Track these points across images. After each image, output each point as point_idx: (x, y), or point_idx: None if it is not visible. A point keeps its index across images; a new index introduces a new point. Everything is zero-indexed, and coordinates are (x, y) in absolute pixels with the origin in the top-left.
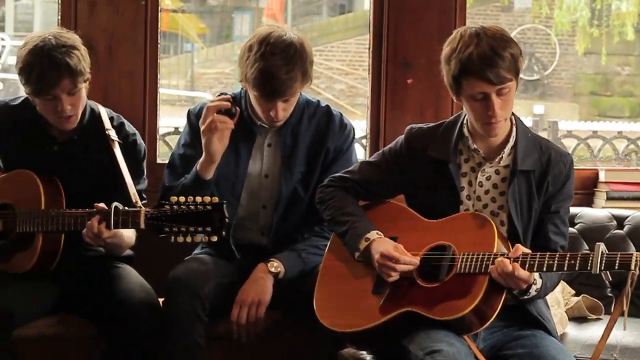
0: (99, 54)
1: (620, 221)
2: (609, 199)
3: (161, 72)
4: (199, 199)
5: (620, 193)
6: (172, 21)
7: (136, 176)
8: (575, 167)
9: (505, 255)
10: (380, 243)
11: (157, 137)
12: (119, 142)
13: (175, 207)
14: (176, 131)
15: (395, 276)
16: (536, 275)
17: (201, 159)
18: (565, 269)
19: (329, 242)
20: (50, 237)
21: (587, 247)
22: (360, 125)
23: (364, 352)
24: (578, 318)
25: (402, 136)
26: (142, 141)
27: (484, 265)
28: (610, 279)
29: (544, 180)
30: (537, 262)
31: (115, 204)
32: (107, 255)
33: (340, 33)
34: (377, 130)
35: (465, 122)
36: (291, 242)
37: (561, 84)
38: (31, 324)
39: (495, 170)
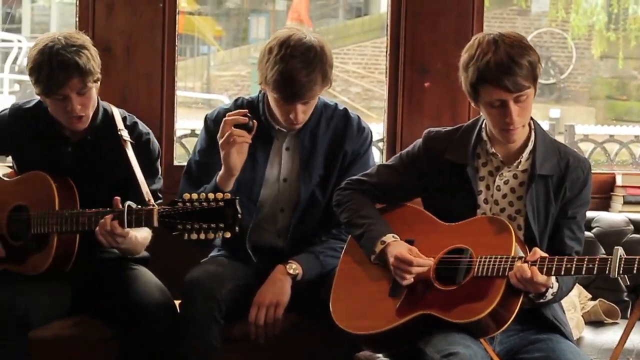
0: (117, 56)
1: (637, 225)
2: (625, 203)
3: (177, 75)
4: (211, 195)
5: (637, 197)
6: (188, 23)
7: (150, 176)
8: (592, 172)
9: (523, 259)
10: (395, 246)
11: (174, 139)
12: (131, 143)
13: (188, 204)
14: (193, 133)
15: (409, 279)
16: (552, 278)
17: (220, 172)
18: (584, 272)
19: (345, 245)
20: (65, 238)
21: (604, 252)
22: (376, 129)
23: (380, 355)
24: (594, 322)
25: (420, 139)
26: (155, 140)
27: (501, 269)
28: (628, 283)
29: (561, 185)
30: (555, 265)
31: (128, 202)
32: (122, 257)
33: (357, 36)
34: (394, 133)
35: (483, 125)
36: (308, 245)
37: (577, 88)
38: (47, 326)
39: (513, 174)
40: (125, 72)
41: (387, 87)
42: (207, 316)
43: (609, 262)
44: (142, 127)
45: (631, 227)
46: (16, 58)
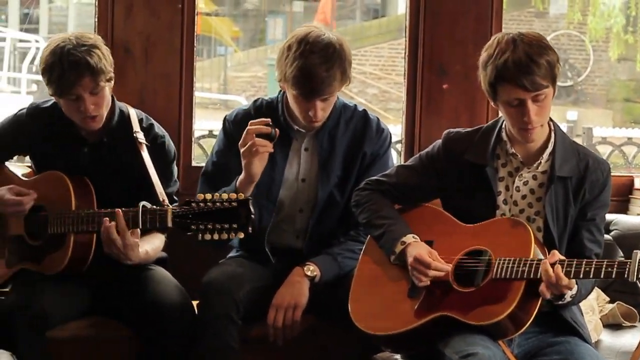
0: (135, 57)
1: None
2: None
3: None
4: (225, 195)
5: None
6: (206, 24)
7: (165, 178)
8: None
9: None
10: (415, 247)
11: (193, 140)
12: (146, 145)
13: (201, 204)
14: (210, 134)
15: (425, 281)
16: (572, 281)
17: (241, 178)
18: (602, 276)
19: (364, 246)
20: (82, 237)
21: (622, 255)
22: (394, 130)
23: (398, 356)
24: (612, 325)
25: (440, 140)
26: (171, 143)
27: (520, 271)
28: None
29: (581, 187)
30: (573, 268)
31: (143, 203)
32: None
33: (374, 37)
34: (412, 135)
35: (503, 126)
36: (327, 246)
37: (595, 90)
38: (65, 326)
39: (533, 175)
40: (144, 73)
41: (406, 88)
42: (225, 317)
43: (628, 265)
44: (158, 129)
45: None
46: (34, 58)
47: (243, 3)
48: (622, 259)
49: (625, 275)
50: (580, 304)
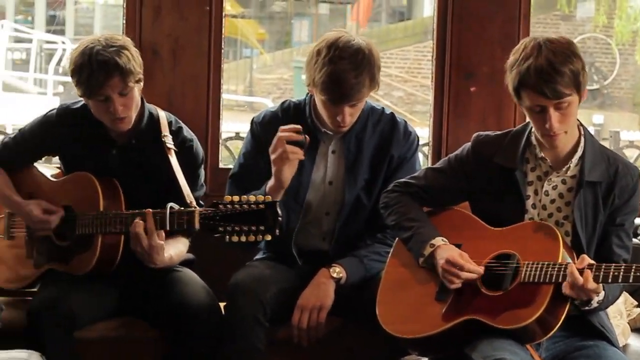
0: (163, 59)
1: None
2: None
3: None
4: (252, 198)
5: None
6: (232, 26)
7: (192, 182)
8: None
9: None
10: (445, 249)
11: (220, 141)
12: (175, 150)
13: (229, 206)
14: (237, 136)
15: (458, 283)
16: (600, 286)
17: (271, 184)
18: (631, 280)
19: (392, 248)
20: (110, 238)
21: None
22: (419, 133)
23: (425, 359)
24: None
25: (469, 143)
26: (199, 147)
27: (548, 275)
28: None
29: (610, 192)
30: (602, 273)
31: (170, 204)
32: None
33: (399, 40)
34: (440, 138)
35: (533, 130)
36: (353, 249)
37: (621, 94)
38: (92, 326)
39: (562, 179)
40: (172, 75)
41: (433, 91)
42: (252, 319)
43: None
44: (187, 132)
45: None
46: (60, 59)
47: (270, 5)
48: None
49: None
50: (608, 309)
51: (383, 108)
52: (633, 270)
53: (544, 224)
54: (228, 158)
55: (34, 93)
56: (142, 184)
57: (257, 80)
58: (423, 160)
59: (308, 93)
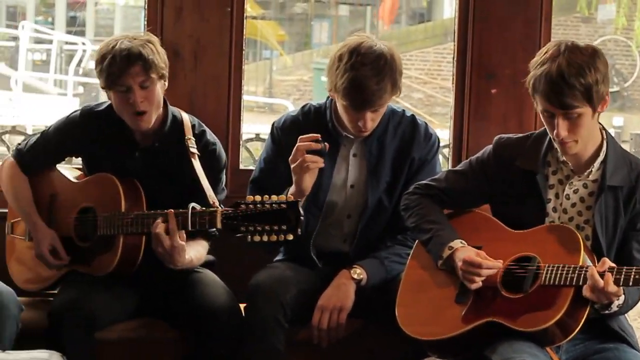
0: (185, 60)
1: None
2: None
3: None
4: (274, 197)
5: None
6: (251, 27)
7: (214, 186)
8: None
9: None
10: (463, 251)
11: (241, 143)
12: (198, 155)
13: (250, 206)
14: (257, 137)
15: (478, 282)
16: (620, 289)
17: (291, 191)
18: None
19: (412, 250)
20: (131, 239)
21: None
22: (439, 135)
23: None
24: None
25: (490, 146)
26: (222, 151)
27: (569, 278)
28: None
29: (631, 197)
30: (623, 275)
31: (192, 204)
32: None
33: (419, 42)
34: (460, 140)
35: None
36: (374, 250)
37: None
38: (113, 327)
39: (584, 183)
40: (193, 76)
41: (454, 93)
42: (272, 320)
43: None
44: (210, 136)
45: None
46: (80, 61)
47: (290, 7)
48: None
49: None
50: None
51: (404, 110)
52: None
53: (565, 227)
54: (248, 159)
55: (54, 94)
56: (165, 187)
57: (277, 82)
58: (443, 162)
59: (329, 97)
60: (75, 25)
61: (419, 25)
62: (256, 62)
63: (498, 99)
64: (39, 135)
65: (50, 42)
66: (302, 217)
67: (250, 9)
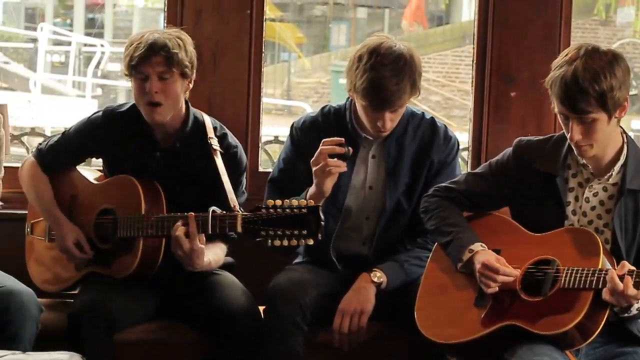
0: (204, 63)
1: None
2: None
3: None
4: (294, 202)
5: None
6: (269, 29)
7: (234, 189)
8: None
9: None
10: (483, 254)
11: (260, 145)
12: (220, 152)
13: (271, 210)
14: (276, 140)
15: (494, 287)
16: None
17: (311, 192)
18: None
19: (432, 253)
20: (151, 241)
21: None
22: (458, 137)
23: None
24: None
25: (510, 148)
26: (243, 154)
27: (588, 281)
28: None
29: None
30: None
31: (212, 208)
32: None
33: (438, 45)
34: (479, 143)
35: None
36: (393, 253)
37: None
38: (132, 329)
39: (603, 187)
40: (212, 78)
41: (473, 96)
42: (291, 322)
43: None
44: (232, 139)
45: None
46: (99, 63)
47: (309, 9)
48: None
49: None
50: None
51: (423, 112)
52: None
53: (584, 230)
54: (267, 162)
55: (72, 96)
56: (186, 187)
57: (295, 84)
58: (462, 165)
59: (348, 98)
60: (93, 27)
61: (437, 27)
62: (274, 65)
63: (517, 102)
64: (60, 135)
65: (69, 44)
66: (322, 222)
67: (268, 11)
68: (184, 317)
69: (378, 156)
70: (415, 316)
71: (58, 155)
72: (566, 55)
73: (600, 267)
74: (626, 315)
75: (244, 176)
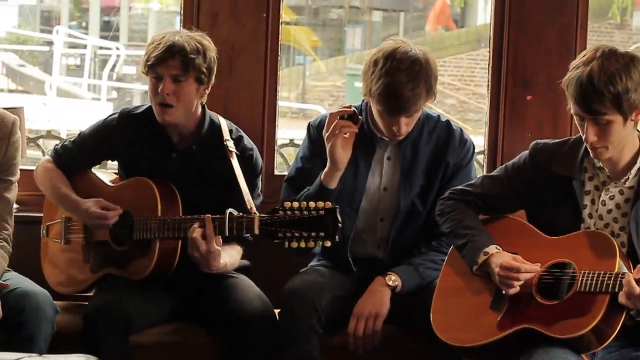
0: (220, 65)
1: None
2: None
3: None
4: (312, 204)
5: None
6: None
7: (250, 191)
8: None
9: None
10: (498, 257)
11: (275, 148)
12: (236, 154)
13: (288, 212)
14: (291, 143)
15: (516, 287)
16: None
17: (325, 169)
18: None
19: (446, 256)
20: (167, 244)
21: None
22: (473, 141)
23: None
24: None
25: (526, 151)
26: (259, 157)
27: (605, 284)
28: None
29: None
30: None
31: (229, 210)
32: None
33: (453, 48)
34: (495, 146)
35: None
36: (408, 256)
37: None
38: (148, 331)
39: (620, 190)
40: (228, 81)
41: (489, 99)
42: (306, 325)
43: None
44: (248, 142)
45: None
46: (114, 65)
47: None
48: None
49: None
50: None
51: (438, 115)
52: None
53: (600, 233)
54: (282, 165)
55: (87, 99)
56: (202, 189)
57: (310, 88)
58: (478, 168)
59: (364, 100)
60: (109, 30)
61: (452, 31)
62: (289, 68)
63: (533, 106)
64: (76, 137)
65: (85, 47)
66: (340, 224)
67: (284, 14)
68: (200, 319)
69: (393, 158)
70: (431, 319)
71: (74, 157)
72: (584, 56)
73: (616, 270)
74: None
75: (260, 179)
